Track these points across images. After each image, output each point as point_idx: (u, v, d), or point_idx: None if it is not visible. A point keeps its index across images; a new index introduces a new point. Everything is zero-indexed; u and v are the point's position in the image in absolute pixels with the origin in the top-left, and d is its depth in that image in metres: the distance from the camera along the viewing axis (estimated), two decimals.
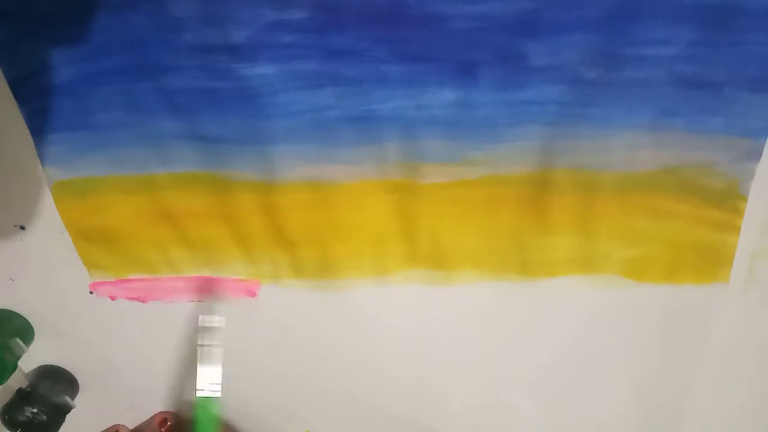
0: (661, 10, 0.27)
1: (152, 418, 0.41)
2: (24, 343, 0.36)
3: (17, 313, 0.37)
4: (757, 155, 0.30)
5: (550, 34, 0.27)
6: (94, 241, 0.35)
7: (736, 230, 0.32)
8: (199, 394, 0.35)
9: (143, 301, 0.37)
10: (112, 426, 0.41)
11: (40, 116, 0.31)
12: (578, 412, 0.38)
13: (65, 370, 0.39)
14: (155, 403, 0.41)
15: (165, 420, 0.40)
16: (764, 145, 0.29)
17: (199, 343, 0.35)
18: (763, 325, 0.35)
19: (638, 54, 0.28)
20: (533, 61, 0.28)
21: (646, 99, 0.29)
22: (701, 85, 0.28)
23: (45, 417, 0.37)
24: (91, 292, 0.37)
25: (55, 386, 0.38)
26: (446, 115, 0.30)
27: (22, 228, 0.34)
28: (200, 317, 0.36)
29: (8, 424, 0.37)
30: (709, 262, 0.33)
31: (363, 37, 0.28)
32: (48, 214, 0.34)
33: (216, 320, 0.36)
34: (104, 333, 0.38)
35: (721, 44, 0.27)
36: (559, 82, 0.28)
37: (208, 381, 0.35)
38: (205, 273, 0.36)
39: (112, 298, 0.37)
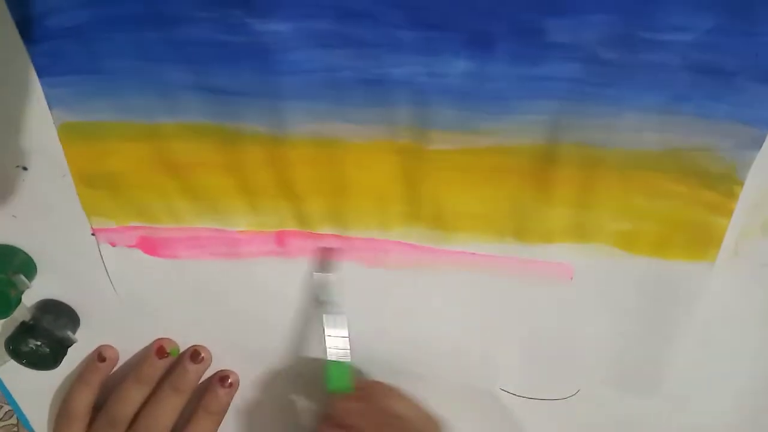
0: None
1: (151, 345, 0.42)
2: (27, 278, 0.37)
3: (20, 249, 0.38)
4: (758, 143, 0.30)
5: (571, 13, 0.27)
6: (96, 187, 0.35)
7: (729, 213, 0.33)
8: (330, 356, 0.36)
9: (143, 251, 0.37)
10: (97, 348, 0.42)
11: (47, 58, 0.31)
12: (560, 368, 0.40)
13: (67, 304, 0.40)
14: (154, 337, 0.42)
15: (162, 348, 0.41)
16: (767, 133, 0.30)
17: (322, 302, 0.36)
18: (743, 301, 0.36)
19: (656, 39, 0.28)
20: (551, 37, 0.28)
21: (658, 82, 0.29)
22: (713, 72, 0.28)
23: (48, 349, 0.39)
24: (92, 234, 0.37)
25: (58, 320, 0.39)
26: (458, 84, 0.30)
27: (25, 169, 0.34)
28: (314, 274, 0.36)
29: (13, 354, 0.39)
30: (700, 241, 0.34)
31: (379, 1, 0.28)
32: (51, 156, 0.34)
33: (332, 278, 0.36)
34: (104, 272, 0.39)
35: (736, 34, 0.27)
36: (574, 61, 0.29)
37: (336, 343, 0.36)
38: (208, 224, 0.36)
39: (112, 244, 0.37)
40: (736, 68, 0.28)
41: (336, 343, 0.36)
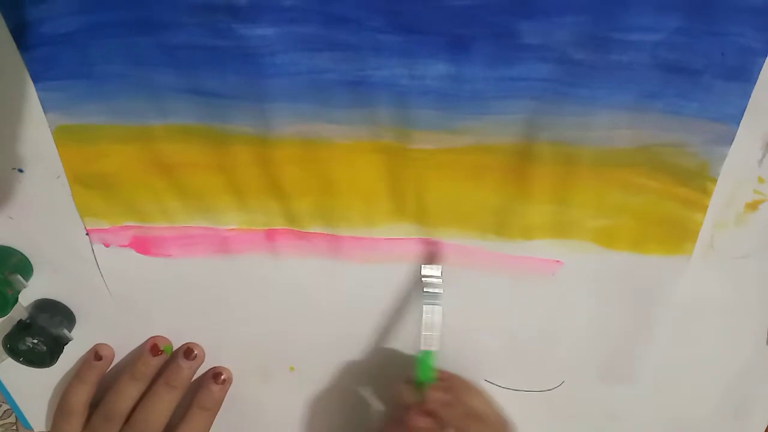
0: None
1: (145, 343, 0.42)
2: (23, 278, 0.38)
3: (17, 250, 0.39)
4: (728, 139, 0.31)
5: (543, 15, 0.28)
6: (90, 187, 0.36)
7: (704, 209, 0.34)
8: (423, 347, 0.36)
9: (136, 250, 0.38)
10: (93, 346, 0.43)
11: (41, 64, 0.32)
12: (543, 360, 0.41)
13: (63, 303, 0.41)
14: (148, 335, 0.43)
15: (156, 345, 0.42)
16: (736, 129, 0.31)
17: (425, 296, 0.37)
18: (721, 293, 0.37)
19: (625, 39, 0.29)
20: (525, 39, 0.29)
21: (629, 81, 0.30)
22: (681, 70, 0.30)
23: (45, 347, 0.40)
24: (87, 234, 0.38)
25: (54, 319, 0.40)
26: (438, 86, 0.31)
27: (21, 171, 0.35)
28: (422, 267, 0.37)
29: (10, 352, 0.40)
30: (675, 236, 0.35)
31: (362, 6, 0.29)
32: (46, 159, 0.35)
33: (436, 270, 0.37)
34: (98, 271, 0.40)
35: (702, 33, 0.28)
36: (548, 61, 0.30)
37: (428, 333, 0.37)
38: (199, 222, 0.37)
39: (106, 245, 0.38)
40: (703, 66, 0.29)
41: (431, 332, 0.36)
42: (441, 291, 0.37)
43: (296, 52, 0.31)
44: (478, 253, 0.37)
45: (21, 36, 0.31)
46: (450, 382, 0.37)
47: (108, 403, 0.42)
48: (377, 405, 0.45)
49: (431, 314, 0.36)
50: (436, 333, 0.36)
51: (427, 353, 0.37)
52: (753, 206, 0.34)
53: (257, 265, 0.39)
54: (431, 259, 0.37)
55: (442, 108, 0.32)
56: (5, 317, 0.38)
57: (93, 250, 0.38)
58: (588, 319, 0.39)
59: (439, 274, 0.37)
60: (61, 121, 0.34)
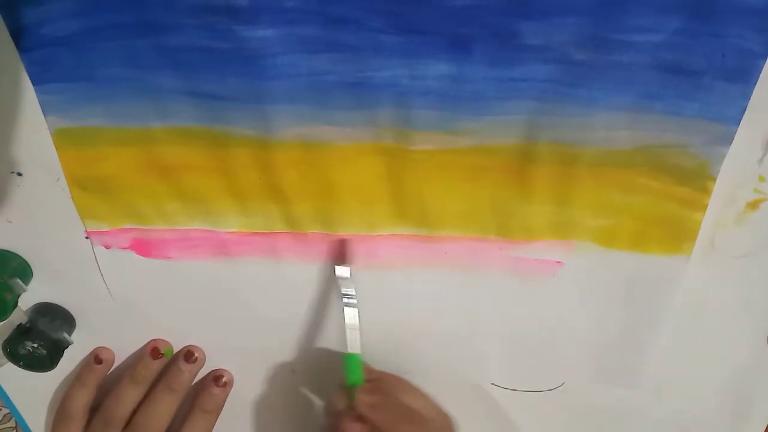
0: (650, 0, 0.28)
1: (145, 346, 0.42)
2: (23, 282, 0.38)
3: (16, 254, 0.38)
4: (728, 139, 0.32)
5: (544, 16, 0.28)
6: (90, 190, 0.36)
7: (703, 208, 0.34)
8: (349, 349, 0.36)
9: (137, 252, 0.38)
10: (93, 350, 0.43)
11: (41, 66, 0.32)
12: (544, 361, 0.41)
13: (63, 307, 0.41)
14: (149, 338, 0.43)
15: (156, 348, 0.42)
16: (736, 130, 0.31)
17: (344, 296, 0.36)
18: (721, 292, 0.37)
19: (626, 40, 0.29)
20: (526, 40, 0.29)
21: (629, 82, 0.30)
22: (682, 71, 0.30)
23: (45, 351, 0.39)
24: (86, 237, 0.38)
25: (53, 322, 0.40)
26: (439, 87, 0.31)
27: (20, 174, 0.35)
28: (336, 268, 0.37)
29: (10, 356, 0.39)
30: (675, 235, 0.35)
31: (362, 6, 0.29)
32: (45, 162, 0.35)
33: (347, 271, 0.37)
34: (99, 274, 0.40)
35: (703, 35, 0.29)
36: (548, 62, 0.30)
37: (351, 336, 0.37)
38: (199, 225, 0.37)
39: (107, 247, 0.38)
40: (703, 68, 0.29)
41: (353, 335, 0.36)
42: (354, 291, 0.37)
43: (296, 53, 0.31)
44: (479, 254, 0.37)
45: (21, 38, 0.31)
46: (380, 383, 0.37)
47: (108, 407, 0.41)
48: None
49: (351, 316, 0.36)
50: (357, 335, 0.36)
51: (352, 356, 0.37)
52: (754, 205, 0.34)
53: (257, 268, 0.39)
54: (342, 259, 0.37)
55: (443, 108, 0.32)
56: (5, 321, 0.38)
57: (94, 253, 0.38)
58: (588, 319, 0.39)
59: (350, 275, 0.37)
60: (60, 123, 0.33)
